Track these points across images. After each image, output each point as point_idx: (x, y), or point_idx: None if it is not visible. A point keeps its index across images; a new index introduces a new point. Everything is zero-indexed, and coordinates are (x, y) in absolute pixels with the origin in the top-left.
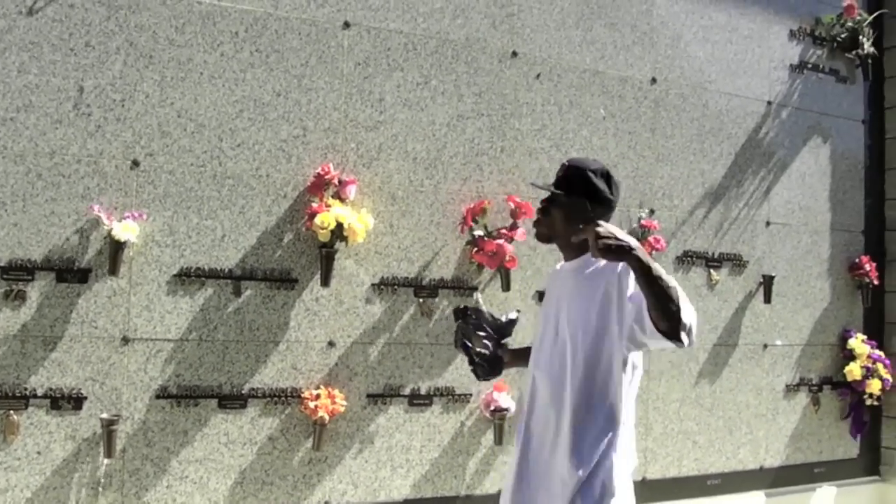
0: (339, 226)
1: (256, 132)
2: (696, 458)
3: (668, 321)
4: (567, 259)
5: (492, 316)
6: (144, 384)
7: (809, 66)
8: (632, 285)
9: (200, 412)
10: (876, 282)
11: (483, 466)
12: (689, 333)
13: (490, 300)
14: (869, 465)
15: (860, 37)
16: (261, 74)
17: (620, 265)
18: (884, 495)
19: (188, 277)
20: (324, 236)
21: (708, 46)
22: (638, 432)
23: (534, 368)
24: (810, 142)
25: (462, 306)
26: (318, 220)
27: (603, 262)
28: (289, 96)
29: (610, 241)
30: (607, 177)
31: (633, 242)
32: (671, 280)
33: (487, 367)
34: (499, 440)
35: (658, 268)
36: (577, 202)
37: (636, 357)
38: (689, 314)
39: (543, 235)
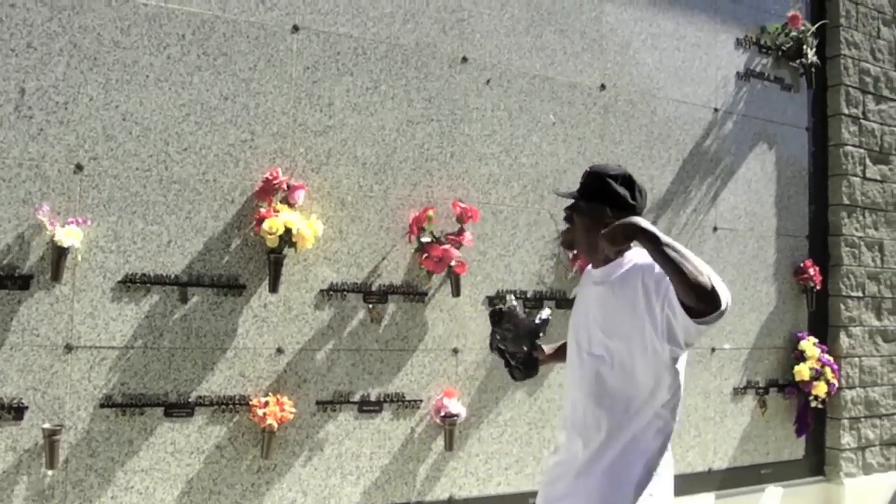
0: (288, 231)
1: (203, 136)
2: None
3: (693, 288)
4: (595, 266)
5: (525, 318)
6: (88, 393)
7: (755, 74)
8: (657, 275)
9: (146, 421)
10: (820, 286)
11: (434, 473)
12: (720, 294)
13: (440, 306)
14: (814, 465)
15: (804, 46)
16: (208, 78)
17: (645, 265)
18: (828, 495)
19: (133, 284)
20: (272, 242)
21: (656, 54)
22: None
23: (568, 382)
24: (756, 148)
25: (497, 309)
26: (266, 225)
27: (629, 265)
28: (236, 100)
29: (612, 230)
30: (629, 182)
31: (637, 220)
32: (685, 250)
33: (524, 369)
34: (449, 446)
35: (669, 239)
36: (596, 207)
37: (680, 362)
38: (712, 275)
39: (567, 242)
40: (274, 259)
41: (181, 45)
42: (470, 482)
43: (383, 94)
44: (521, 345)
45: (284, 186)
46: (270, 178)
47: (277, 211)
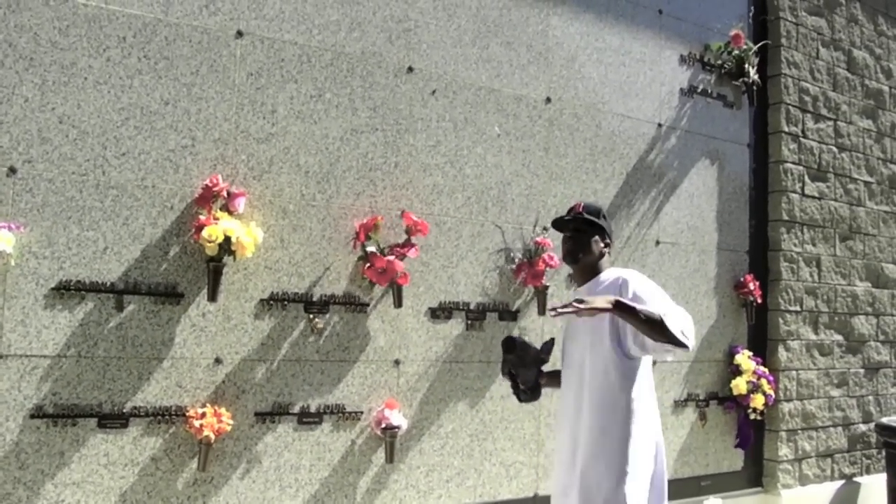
0: (228, 239)
1: (143, 141)
2: None
3: (667, 341)
4: (580, 284)
5: (532, 346)
6: (18, 403)
7: (698, 90)
8: (634, 295)
9: (79, 432)
10: (759, 300)
11: (374, 485)
12: (686, 339)
13: (381, 317)
14: (752, 477)
15: (746, 65)
16: (149, 82)
17: (620, 281)
18: None
19: (67, 291)
20: (211, 250)
21: (601, 68)
22: (530, 448)
23: (565, 384)
24: (699, 164)
25: (511, 340)
26: (205, 233)
27: (610, 280)
28: (178, 105)
29: (587, 307)
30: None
31: (609, 300)
32: (657, 310)
33: (530, 393)
34: (390, 458)
35: (642, 308)
36: (597, 228)
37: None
38: (681, 326)
39: (573, 255)
40: (213, 267)
41: (121, 48)
42: (411, 495)
43: (328, 103)
44: (529, 371)
45: (225, 194)
46: (211, 184)
47: (217, 218)
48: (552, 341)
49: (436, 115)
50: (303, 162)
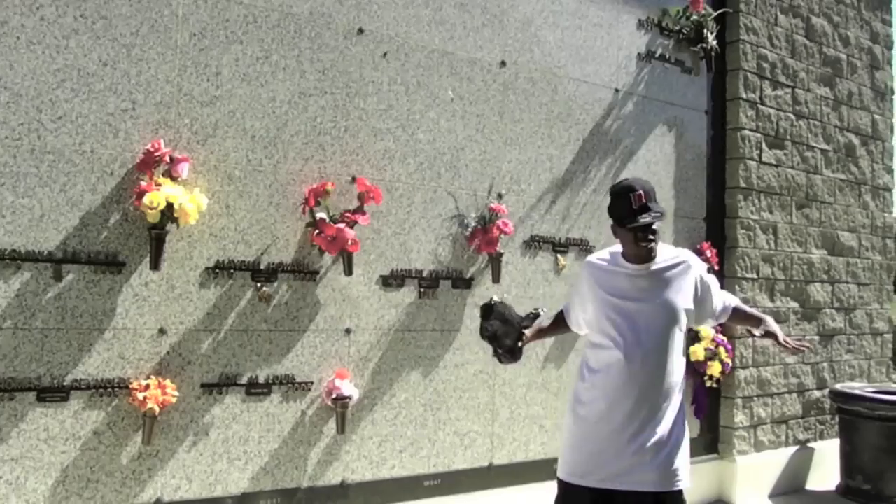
0: (170, 206)
1: (80, 104)
2: (543, 442)
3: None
4: (639, 263)
5: (515, 315)
6: None
7: (656, 56)
8: (713, 285)
9: (16, 406)
10: (716, 267)
11: (325, 457)
12: None
13: (332, 285)
14: (708, 443)
15: (705, 30)
16: (86, 42)
17: (689, 266)
18: (722, 471)
19: (2, 260)
20: (153, 217)
21: (558, 32)
22: (485, 418)
23: (635, 346)
24: (656, 130)
25: (488, 307)
26: (146, 199)
27: (675, 259)
28: (117, 67)
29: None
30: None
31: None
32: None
33: (510, 357)
34: (341, 429)
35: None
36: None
37: None
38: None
39: (653, 255)
40: (155, 235)
41: (56, 6)
42: (363, 466)
43: (275, 65)
44: (508, 336)
45: (167, 159)
46: (152, 149)
47: (159, 184)
48: (537, 313)
49: (387, 78)
50: (249, 126)
